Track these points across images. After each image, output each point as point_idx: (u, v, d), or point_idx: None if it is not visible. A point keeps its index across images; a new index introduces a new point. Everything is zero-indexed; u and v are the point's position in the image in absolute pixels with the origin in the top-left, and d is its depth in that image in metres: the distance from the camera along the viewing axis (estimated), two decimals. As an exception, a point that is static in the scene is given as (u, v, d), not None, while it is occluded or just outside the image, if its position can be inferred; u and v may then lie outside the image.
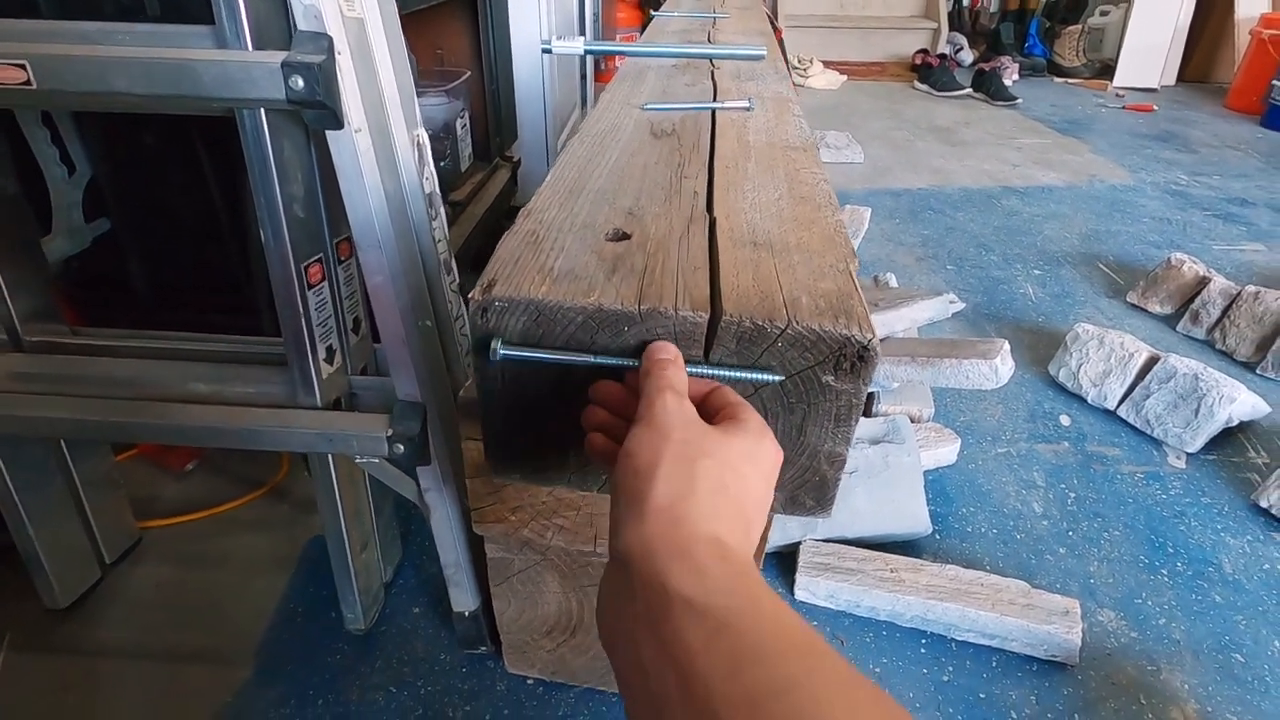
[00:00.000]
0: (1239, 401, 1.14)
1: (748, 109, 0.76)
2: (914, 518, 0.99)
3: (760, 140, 0.67)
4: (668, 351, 0.38)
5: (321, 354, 0.71)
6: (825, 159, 2.60)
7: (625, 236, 0.46)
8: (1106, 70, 3.92)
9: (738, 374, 0.39)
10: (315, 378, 0.71)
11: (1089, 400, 1.29)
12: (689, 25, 1.32)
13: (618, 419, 0.39)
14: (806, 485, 0.44)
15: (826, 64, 4.03)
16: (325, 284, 0.71)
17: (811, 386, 0.40)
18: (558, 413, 0.43)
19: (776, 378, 0.39)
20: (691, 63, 1.00)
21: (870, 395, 0.41)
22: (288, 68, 0.54)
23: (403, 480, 0.75)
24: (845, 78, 3.92)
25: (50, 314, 0.82)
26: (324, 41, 0.56)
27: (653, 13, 1.46)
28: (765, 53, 1.02)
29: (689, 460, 0.31)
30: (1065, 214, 2.18)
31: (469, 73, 1.58)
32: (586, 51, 1.05)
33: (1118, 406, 1.26)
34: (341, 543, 0.81)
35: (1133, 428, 1.24)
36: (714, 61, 1.00)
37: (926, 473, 1.12)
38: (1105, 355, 1.27)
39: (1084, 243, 1.98)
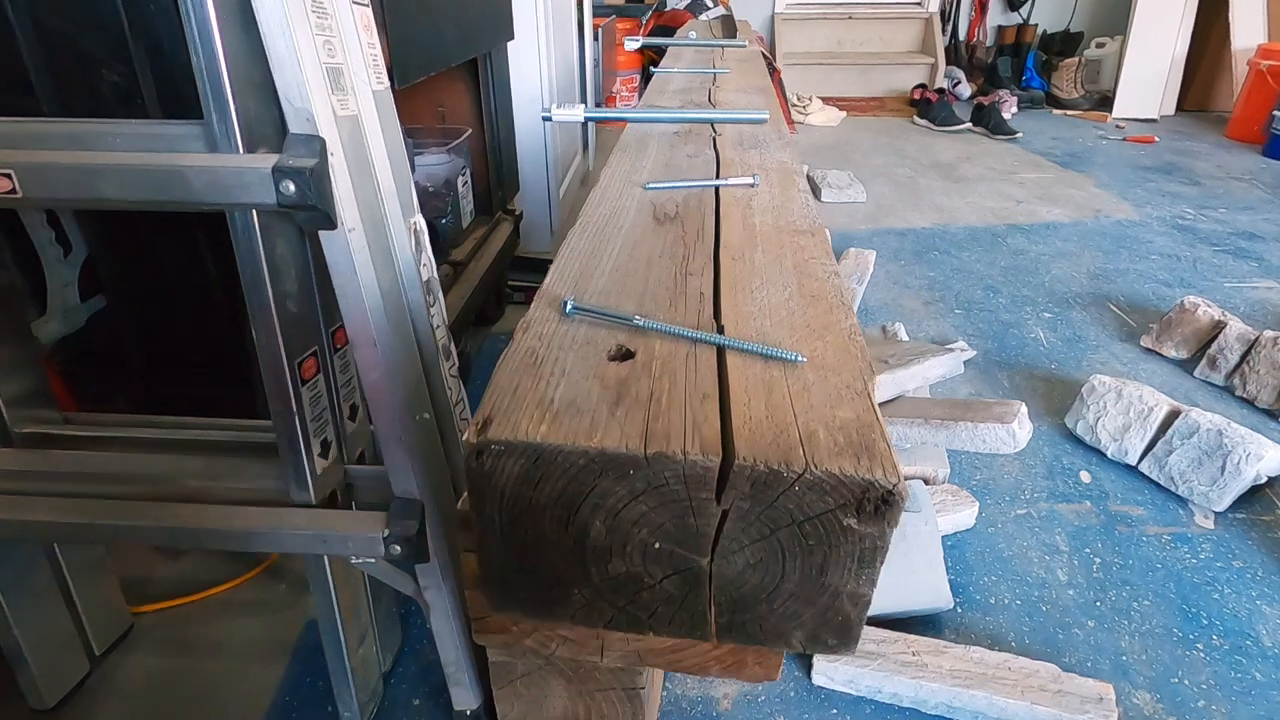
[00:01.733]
0: (1266, 459, 1.10)
1: (752, 185, 0.75)
2: (934, 591, 0.95)
3: (766, 224, 0.65)
4: None
5: (316, 449, 0.69)
6: (828, 199, 2.60)
7: (629, 355, 0.44)
8: (1105, 102, 3.94)
9: None
10: (309, 474, 0.68)
11: (1109, 455, 1.25)
12: (689, 83, 1.32)
13: None
14: (828, 625, 0.41)
15: (826, 100, 4.06)
16: (320, 376, 0.69)
17: (832, 529, 0.37)
18: (562, 547, 0.40)
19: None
20: (693, 129, 0.99)
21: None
22: (279, 173, 0.53)
23: (400, 577, 0.72)
24: (845, 114, 3.95)
25: (42, 402, 0.80)
26: (316, 144, 0.54)
27: (653, 69, 1.46)
28: (767, 116, 1.01)
29: None
30: (1072, 252, 2.16)
31: (470, 130, 1.58)
32: (586, 119, 1.04)
33: (1139, 462, 1.22)
34: (337, 640, 0.78)
35: (1156, 484, 1.20)
36: (715, 127, 0.99)
37: (945, 538, 1.08)
38: (1124, 408, 1.24)
39: (1093, 282, 1.96)
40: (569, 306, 0.48)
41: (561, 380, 0.41)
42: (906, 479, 1.13)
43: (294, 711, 0.87)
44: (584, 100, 2.93)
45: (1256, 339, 1.42)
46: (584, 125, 2.98)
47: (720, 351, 0.45)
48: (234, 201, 0.55)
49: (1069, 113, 3.96)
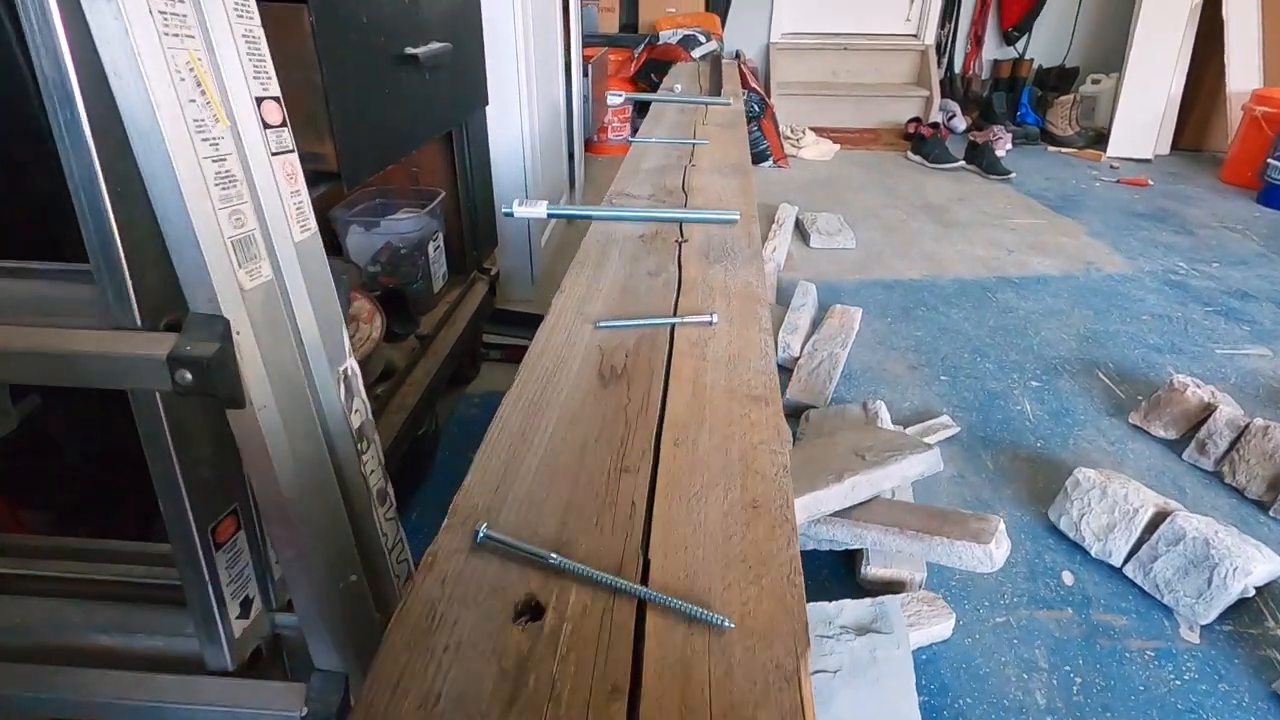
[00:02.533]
0: (1255, 574, 1.06)
1: (710, 323, 0.70)
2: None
3: (719, 384, 0.61)
4: None
5: (234, 611, 0.64)
6: (816, 244, 2.56)
7: (538, 613, 0.40)
8: (1100, 139, 3.92)
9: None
10: (225, 638, 0.64)
11: (1092, 554, 1.21)
12: (665, 160, 1.28)
13: None
14: None
15: (819, 132, 4.04)
16: (240, 533, 0.64)
17: None
18: None
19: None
20: (659, 235, 0.94)
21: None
22: (175, 361, 0.48)
23: (325, 744, 0.67)
24: (838, 147, 3.92)
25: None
26: (219, 326, 0.50)
27: (629, 139, 1.42)
28: (738, 217, 0.97)
29: None
30: (1062, 310, 2.13)
31: (443, 193, 1.54)
32: (550, 215, 1.00)
33: (1124, 564, 1.18)
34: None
35: (1141, 590, 1.16)
36: (683, 229, 0.95)
37: (919, 651, 1.04)
38: (1109, 507, 1.20)
39: (1082, 346, 1.92)
40: (480, 535, 0.43)
41: (455, 660, 0.37)
42: (882, 581, 1.08)
43: None
44: (572, 134, 2.90)
45: (1246, 427, 1.38)
46: (570, 158, 2.95)
47: (642, 606, 0.40)
48: (127, 386, 0.51)
49: (1064, 150, 3.94)
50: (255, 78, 0.55)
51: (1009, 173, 3.38)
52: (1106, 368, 1.82)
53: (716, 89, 2.05)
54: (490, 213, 1.78)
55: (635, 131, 3.90)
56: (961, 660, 1.05)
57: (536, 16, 2.00)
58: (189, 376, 0.48)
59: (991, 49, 4.53)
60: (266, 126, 0.55)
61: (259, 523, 0.67)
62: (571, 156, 2.85)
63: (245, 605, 0.66)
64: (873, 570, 1.11)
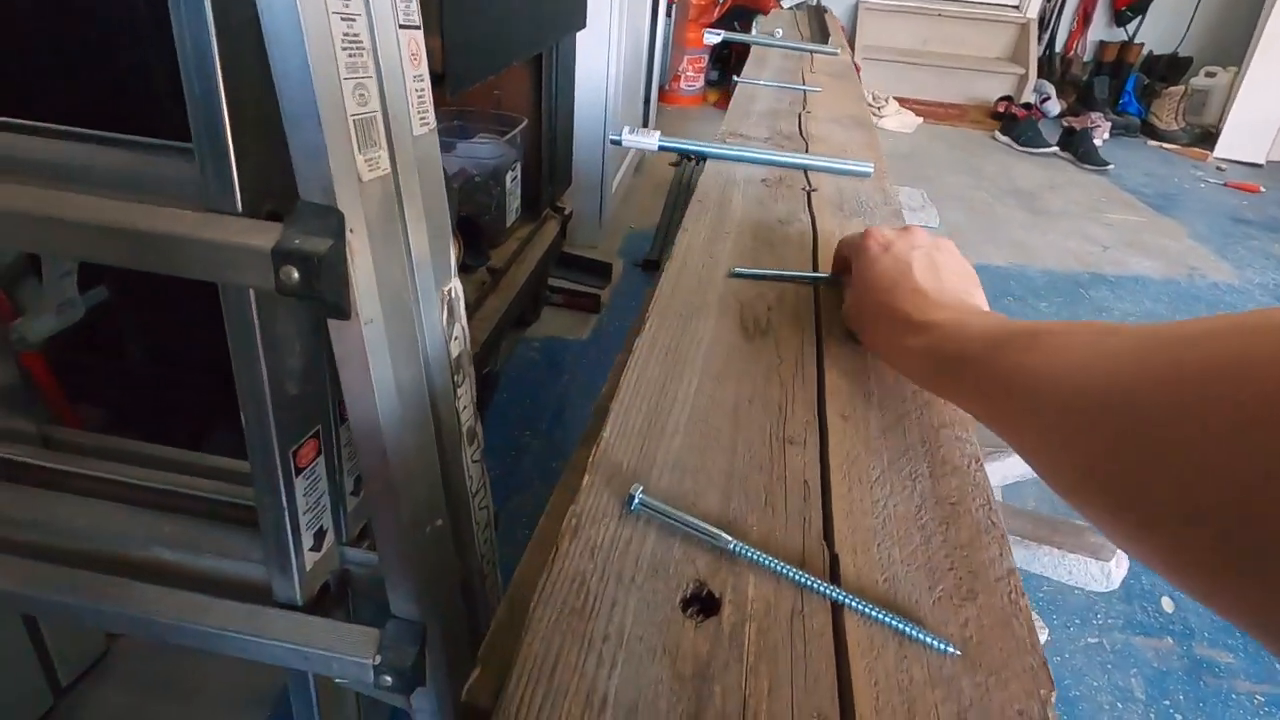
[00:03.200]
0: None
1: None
2: None
3: (881, 352, 0.52)
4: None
5: (307, 543, 0.59)
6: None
7: (712, 607, 0.32)
8: (1207, 138, 3.64)
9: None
10: (296, 571, 0.58)
11: (1197, 581, 1.11)
12: (777, 104, 1.16)
13: None
14: None
15: (902, 102, 3.82)
16: (320, 459, 0.58)
17: None
18: None
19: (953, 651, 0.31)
20: (784, 175, 0.85)
21: None
22: (280, 255, 0.41)
23: (392, 695, 0.62)
24: (920, 120, 3.71)
25: (21, 418, 0.71)
26: (333, 220, 0.42)
27: (735, 78, 1.31)
28: (872, 170, 0.86)
29: (887, 303, 0.47)
30: (1161, 315, 1.97)
31: (525, 120, 1.45)
32: (661, 147, 0.91)
33: (1233, 597, 1.08)
34: (315, 731, 0.69)
35: (1250, 627, 1.06)
36: (809, 177, 0.85)
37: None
38: (1224, 534, 1.09)
39: (1184, 356, 1.78)
40: (635, 501, 0.36)
41: (619, 655, 0.29)
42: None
43: (264, 783, 0.79)
44: (650, 77, 2.76)
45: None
46: (646, 102, 2.82)
47: (837, 610, 0.33)
48: (222, 279, 0.44)
49: (1165, 145, 3.67)
50: (391, -70, 0.46)
51: (1106, 164, 3.16)
52: (1211, 382, 1.68)
53: (819, 39, 1.90)
54: (569, 148, 1.69)
55: (708, 84, 3.73)
56: (1049, 679, 0.96)
57: (635, -58, 1.87)
58: (295, 275, 0.41)
59: (1099, 29, 4.21)
60: (397, -8, 0.47)
61: (339, 449, 0.61)
62: (648, 102, 2.72)
63: (319, 537, 0.60)
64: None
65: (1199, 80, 3.89)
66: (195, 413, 0.96)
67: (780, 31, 1.88)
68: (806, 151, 0.96)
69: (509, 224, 1.47)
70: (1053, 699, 0.30)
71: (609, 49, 1.78)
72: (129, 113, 0.72)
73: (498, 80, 1.45)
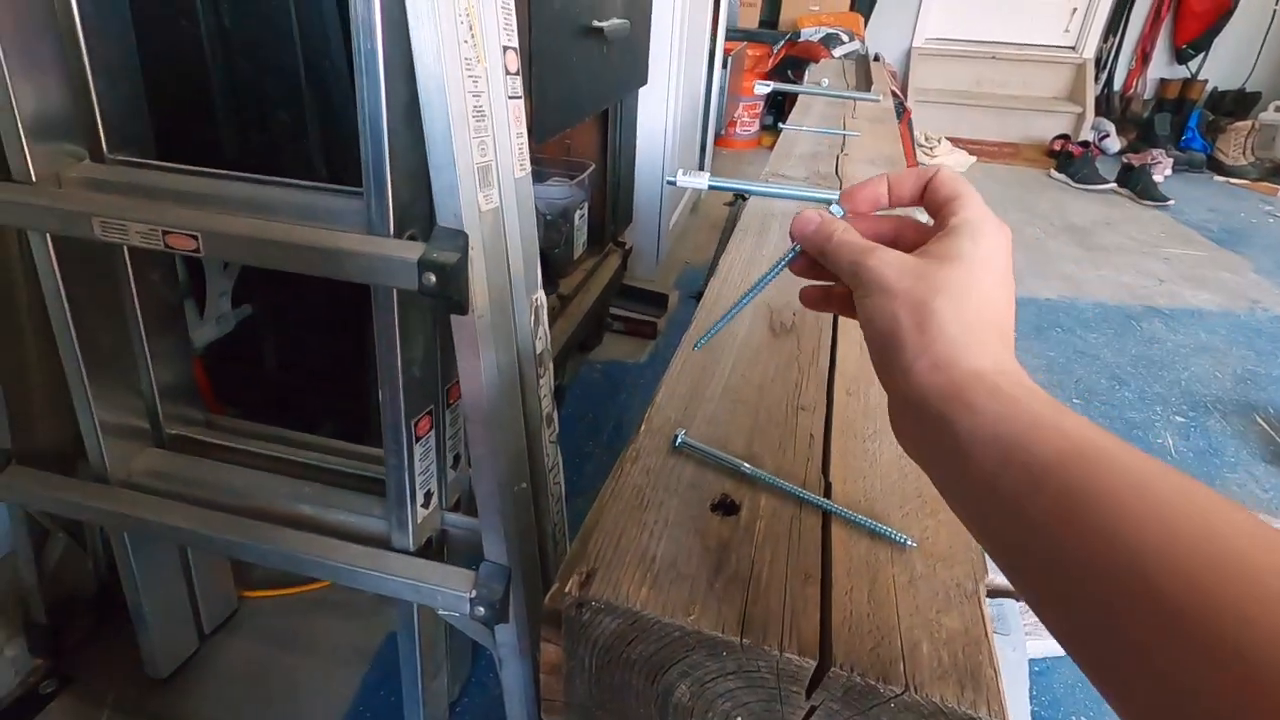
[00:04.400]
0: None
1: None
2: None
3: (885, 348, 0.64)
4: (832, 225, 0.36)
5: (420, 499, 0.73)
6: (945, 254, 2.49)
7: (733, 508, 0.44)
8: (1278, 172, 3.57)
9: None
10: (411, 522, 0.73)
11: (1234, 597, 1.14)
12: (817, 147, 1.30)
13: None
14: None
15: (955, 142, 3.89)
16: (432, 433, 0.73)
17: (924, 747, 0.36)
18: (645, 698, 0.41)
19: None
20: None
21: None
22: (423, 265, 0.56)
23: (481, 631, 0.75)
24: (974, 159, 3.77)
25: (190, 405, 0.89)
26: (460, 240, 0.58)
27: (781, 125, 1.45)
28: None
29: (923, 311, 0.30)
30: (1218, 347, 1.97)
31: (593, 165, 1.63)
32: (710, 186, 1.05)
33: (1271, 613, 1.10)
34: (414, 669, 0.82)
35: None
36: (841, 210, 0.97)
37: (1033, 663, 1.02)
38: (1259, 550, 1.12)
39: (1239, 387, 1.78)
40: (679, 440, 0.49)
41: (665, 532, 0.42)
42: (998, 594, 1.07)
43: (365, 722, 0.92)
44: (706, 124, 2.94)
45: None
46: (702, 149, 3.00)
47: (826, 518, 0.44)
48: (380, 282, 0.59)
49: (1233, 181, 3.61)
50: (504, 28, 0.62)
51: (1166, 199, 3.14)
52: (1266, 412, 1.68)
53: (863, 86, 2.04)
54: (630, 189, 1.86)
55: (763, 128, 3.90)
56: (1077, 676, 1.02)
57: (693, 3, 2.06)
58: (433, 279, 0.56)
59: (1159, 67, 4.20)
60: (507, 73, 0.63)
61: (444, 428, 0.76)
62: (704, 147, 2.90)
63: (427, 497, 0.75)
64: (997, 577, 1.10)
65: (1269, 115, 3.82)
66: (312, 412, 1.14)
67: (826, 81, 2.03)
68: (842, 189, 1.08)
69: (576, 256, 1.64)
70: (984, 580, 0.41)
71: (667, 100, 1.96)
72: (287, 160, 0.91)
73: (569, 131, 1.63)
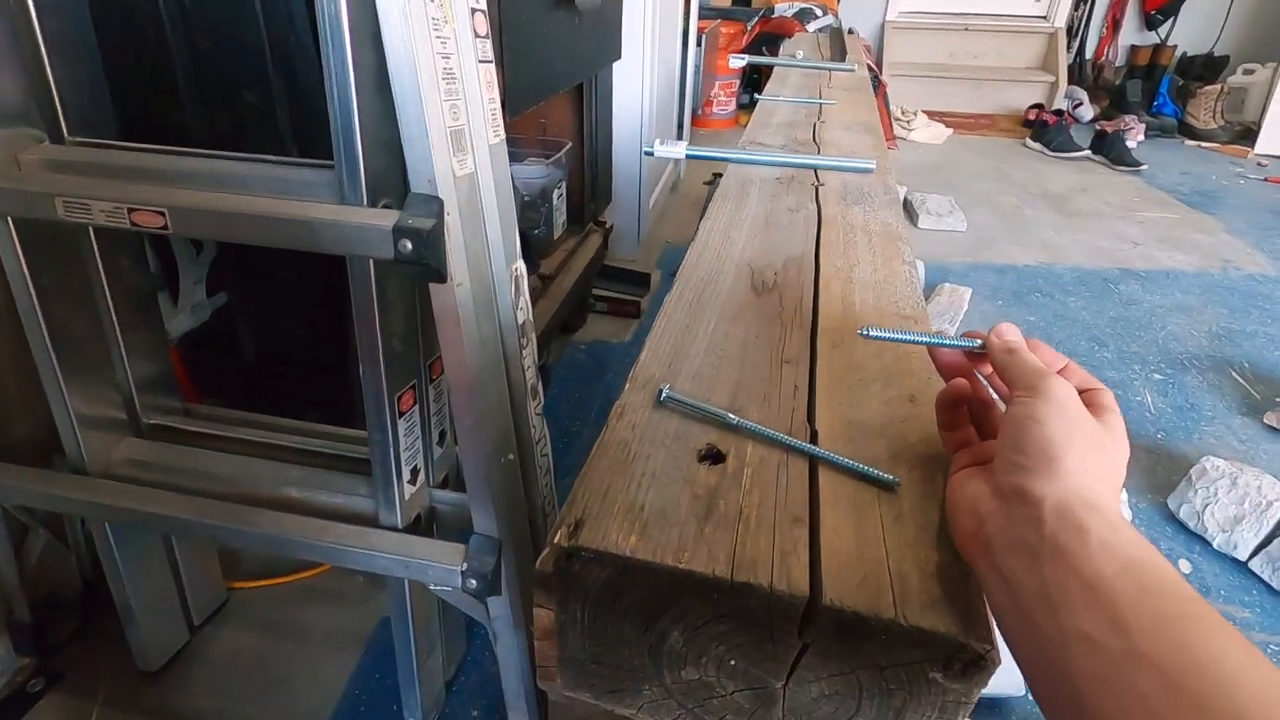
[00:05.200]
0: (1404, 577, 0.99)
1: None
2: (1007, 674, 0.91)
3: (867, 303, 0.64)
4: (1023, 341, 0.41)
5: (406, 476, 0.73)
6: (925, 225, 2.50)
7: (720, 458, 0.44)
8: (1248, 135, 3.62)
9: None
10: (398, 499, 0.72)
11: (1214, 545, 1.16)
12: (794, 116, 1.29)
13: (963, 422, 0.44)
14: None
15: (931, 115, 3.90)
16: (416, 408, 0.72)
17: (915, 678, 0.36)
18: (639, 648, 0.41)
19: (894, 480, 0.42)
20: (795, 174, 0.97)
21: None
22: (398, 232, 0.55)
23: (474, 605, 0.75)
24: (950, 131, 3.78)
25: (168, 394, 0.87)
26: (435, 205, 0.57)
27: (757, 96, 1.44)
28: (874, 166, 0.98)
29: (1097, 449, 0.36)
30: (1193, 306, 2.00)
31: (570, 143, 1.61)
32: (688, 155, 1.04)
33: (1250, 558, 1.13)
34: (408, 649, 0.82)
35: (1267, 585, 1.10)
36: (819, 174, 0.97)
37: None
38: (1238, 498, 1.14)
39: (1214, 344, 1.81)
40: (663, 394, 0.48)
41: (652, 484, 0.42)
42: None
43: (362, 705, 0.92)
44: (683, 103, 2.93)
45: (1404, 433, 1.28)
46: (679, 127, 2.98)
47: (812, 463, 0.44)
48: (355, 252, 0.58)
49: (1204, 145, 3.66)
50: (471, -10, 0.61)
51: (1139, 164, 3.18)
52: (1241, 367, 1.71)
53: (838, 59, 2.03)
54: (609, 168, 1.85)
55: (739, 107, 3.88)
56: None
57: (664, -20, 2.04)
58: (409, 246, 0.56)
59: (1129, 34, 4.23)
60: (476, 36, 0.62)
61: (429, 404, 0.75)
62: (681, 125, 2.88)
63: (414, 474, 0.74)
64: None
65: (1237, 78, 3.87)
66: (294, 400, 1.13)
67: (802, 53, 2.02)
68: (818, 154, 1.08)
69: (556, 237, 1.63)
70: (972, 516, 0.41)
71: (643, 77, 1.95)
72: (255, 138, 0.89)
73: (544, 108, 1.62)
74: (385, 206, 0.60)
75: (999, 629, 0.34)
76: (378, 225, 0.56)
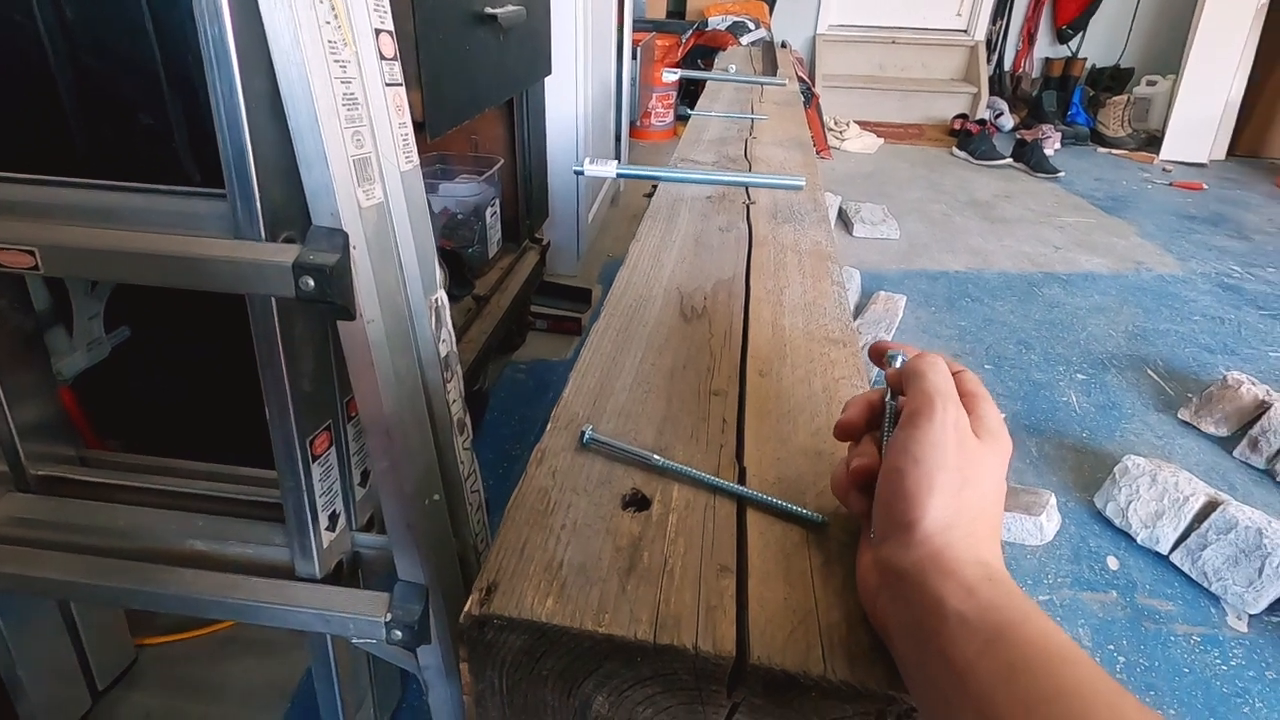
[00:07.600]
0: (1309, 564, 1.05)
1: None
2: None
3: (797, 327, 0.63)
4: (946, 367, 0.38)
5: (324, 523, 0.68)
6: (860, 234, 2.56)
7: (645, 503, 0.42)
8: (1153, 141, 3.84)
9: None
10: (315, 548, 0.67)
11: (1139, 540, 1.21)
12: (726, 132, 1.29)
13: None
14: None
15: (863, 125, 4.01)
16: (332, 449, 0.68)
17: (849, 733, 0.34)
18: (563, 714, 0.38)
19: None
20: (727, 192, 0.96)
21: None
22: (299, 268, 0.52)
23: (402, 655, 0.71)
24: (882, 141, 3.89)
25: (60, 442, 0.80)
26: (339, 239, 0.53)
27: (689, 110, 1.44)
28: (804, 183, 0.98)
29: (965, 486, 0.33)
30: (1111, 307, 2.10)
31: (502, 160, 1.58)
32: (619, 175, 1.02)
33: (1170, 552, 1.18)
34: (334, 705, 0.77)
35: (1188, 578, 1.15)
36: (749, 192, 0.97)
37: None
38: (1158, 494, 1.19)
39: (1131, 342, 1.90)
40: (586, 436, 0.46)
41: (572, 537, 0.39)
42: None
43: (288, 765, 0.86)
44: (620, 115, 2.92)
45: (1303, 424, 1.36)
46: (617, 139, 2.97)
47: (740, 503, 0.43)
48: (253, 290, 0.54)
49: (1114, 151, 3.87)
50: (375, 10, 0.58)
51: (1057, 171, 3.33)
52: (1156, 365, 1.80)
53: (770, 73, 2.06)
54: (544, 184, 1.82)
55: (678, 118, 3.91)
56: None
57: (595, -6, 2.03)
58: (311, 283, 0.52)
59: (1043, 47, 4.46)
60: (382, 58, 0.58)
61: (347, 444, 0.71)
62: (618, 138, 2.87)
63: (333, 519, 0.69)
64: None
65: (1141, 89, 4.11)
66: (205, 438, 1.06)
67: (734, 67, 2.04)
68: (750, 171, 1.08)
69: (491, 255, 1.59)
70: (901, 553, 0.40)
71: (577, 91, 1.93)
72: (151, 164, 0.83)
73: (473, 125, 1.58)
74: (287, 240, 0.56)
75: None
76: (276, 262, 0.52)
